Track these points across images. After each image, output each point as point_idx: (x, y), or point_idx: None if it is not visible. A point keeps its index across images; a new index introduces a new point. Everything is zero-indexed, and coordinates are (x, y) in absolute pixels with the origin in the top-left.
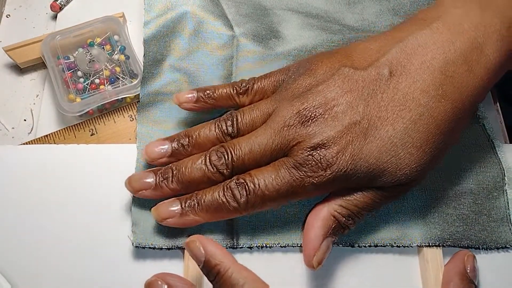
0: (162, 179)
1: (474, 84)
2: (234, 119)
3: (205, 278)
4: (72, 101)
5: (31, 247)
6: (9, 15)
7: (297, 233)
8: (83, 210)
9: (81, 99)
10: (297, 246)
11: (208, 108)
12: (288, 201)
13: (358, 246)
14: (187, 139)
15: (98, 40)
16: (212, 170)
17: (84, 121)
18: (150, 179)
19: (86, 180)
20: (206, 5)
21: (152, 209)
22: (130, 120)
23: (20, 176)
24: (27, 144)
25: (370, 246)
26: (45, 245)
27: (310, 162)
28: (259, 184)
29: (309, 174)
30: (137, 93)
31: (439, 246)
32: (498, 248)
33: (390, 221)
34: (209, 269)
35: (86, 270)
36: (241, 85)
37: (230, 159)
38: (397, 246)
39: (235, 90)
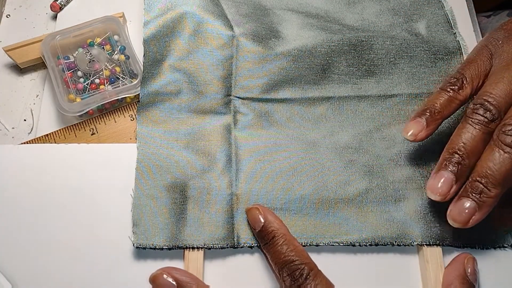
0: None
1: None
2: (484, 104)
3: (205, 277)
4: (72, 101)
5: (31, 247)
6: (9, 15)
7: (298, 232)
8: (84, 210)
9: (81, 99)
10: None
11: (440, 124)
12: None
13: (359, 245)
14: (457, 155)
15: (98, 40)
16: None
17: (84, 121)
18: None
19: (87, 179)
20: (206, 5)
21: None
22: (131, 120)
23: (20, 176)
24: (27, 143)
25: (370, 245)
26: (46, 245)
27: None
28: None
29: None
30: (137, 93)
31: (439, 245)
32: (495, 248)
33: (391, 220)
34: (265, 233)
35: (87, 270)
36: (453, 82)
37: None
38: (397, 245)
39: (452, 91)
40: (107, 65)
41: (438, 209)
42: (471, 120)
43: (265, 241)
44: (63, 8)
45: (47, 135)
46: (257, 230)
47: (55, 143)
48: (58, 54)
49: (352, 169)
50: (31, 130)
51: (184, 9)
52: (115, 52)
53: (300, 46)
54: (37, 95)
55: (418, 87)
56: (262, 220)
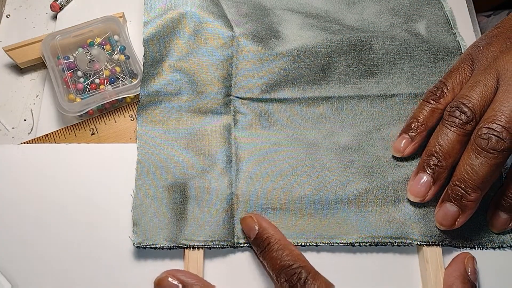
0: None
1: None
2: (459, 106)
3: (206, 276)
4: (72, 101)
5: (31, 247)
6: (9, 15)
7: (298, 232)
8: (84, 209)
9: (81, 99)
10: (297, 245)
11: (425, 135)
12: None
13: (359, 245)
14: (434, 158)
15: (98, 40)
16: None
17: (84, 121)
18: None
19: (87, 179)
20: (206, 5)
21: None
22: (131, 120)
23: (20, 176)
24: (27, 143)
25: (370, 245)
26: (46, 245)
27: None
28: None
29: None
30: (137, 93)
31: (439, 245)
32: (494, 248)
33: (390, 220)
34: (260, 240)
35: (87, 270)
36: (434, 91)
37: (498, 130)
38: (397, 245)
39: (433, 101)
40: (107, 65)
41: None
42: (447, 123)
43: (260, 248)
44: (63, 8)
45: (47, 135)
46: (252, 238)
47: (55, 143)
48: (58, 54)
49: (352, 169)
50: (31, 130)
51: (184, 9)
52: (115, 52)
53: (300, 46)
54: (37, 95)
55: (418, 87)
56: (257, 228)
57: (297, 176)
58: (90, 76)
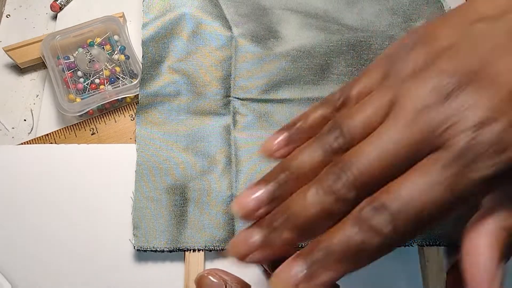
0: (270, 232)
1: None
2: (339, 128)
3: None
4: (72, 101)
5: (31, 247)
6: (9, 15)
7: None
8: (84, 210)
9: (81, 99)
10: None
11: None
12: (446, 217)
13: None
14: (284, 175)
15: (98, 40)
16: (331, 199)
17: (85, 121)
18: (256, 237)
19: (87, 180)
20: (205, 6)
21: (272, 278)
22: (131, 120)
23: (20, 176)
24: (27, 143)
25: None
26: (46, 246)
27: (477, 148)
28: (404, 202)
29: (479, 165)
30: (137, 93)
31: (439, 245)
32: None
33: None
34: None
35: (87, 272)
36: (335, 98)
37: (351, 175)
38: None
39: (330, 108)
40: (107, 65)
41: None
42: (321, 140)
43: None
44: (63, 8)
45: (47, 135)
46: None
47: (55, 143)
48: (58, 54)
49: None
50: (31, 130)
51: (182, 10)
52: (115, 52)
53: (299, 46)
54: (37, 95)
55: None
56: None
57: None
58: (90, 76)
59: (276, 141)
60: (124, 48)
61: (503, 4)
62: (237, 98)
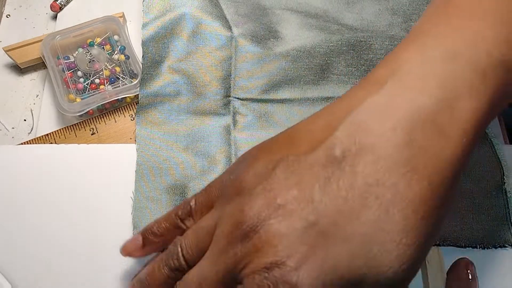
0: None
1: (451, 150)
2: (178, 248)
3: None
4: (72, 101)
5: (31, 247)
6: (9, 15)
7: None
8: (84, 210)
9: (81, 99)
10: None
11: (159, 249)
12: None
13: None
14: (142, 283)
15: (98, 40)
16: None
17: (84, 121)
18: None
19: (87, 180)
20: (205, 6)
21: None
22: (131, 120)
23: (20, 176)
24: (27, 143)
25: None
26: (45, 246)
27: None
28: None
29: None
30: (137, 93)
31: (439, 245)
32: (496, 247)
33: None
34: None
35: (86, 272)
36: (183, 207)
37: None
38: None
39: (178, 217)
40: (107, 65)
41: None
42: (164, 259)
43: None
44: (63, 8)
45: (47, 135)
46: None
47: (55, 143)
48: (58, 54)
49: None
50: (31, 130)
51: (182, 10)
52: (115, 52)
53: (299, 46)
54: (37, 95)
55: None
56: None
57: None
58: (90, 76)
59: (134, 242)
60: (124, 48)
61: (314, 141)
62: (237, 98)
